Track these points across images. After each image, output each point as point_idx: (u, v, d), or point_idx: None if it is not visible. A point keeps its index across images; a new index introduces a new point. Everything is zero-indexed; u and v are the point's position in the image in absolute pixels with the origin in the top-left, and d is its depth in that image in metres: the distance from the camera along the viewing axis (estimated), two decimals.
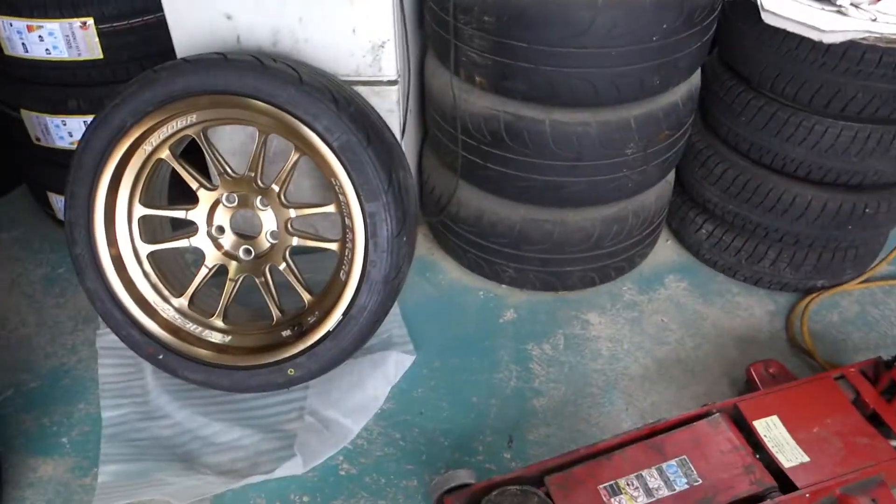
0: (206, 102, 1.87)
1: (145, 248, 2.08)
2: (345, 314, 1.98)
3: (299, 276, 2.09)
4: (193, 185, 2.04)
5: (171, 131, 1.95)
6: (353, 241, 1.95)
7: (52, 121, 2.46)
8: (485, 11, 2.02)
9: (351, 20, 2.11)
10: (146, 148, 1.97)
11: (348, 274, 1.98)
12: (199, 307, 2.13)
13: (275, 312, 2.10)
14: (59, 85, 2.41)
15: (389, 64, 2.20)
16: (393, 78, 2.23)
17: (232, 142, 2.33)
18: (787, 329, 2.51)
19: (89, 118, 2.44)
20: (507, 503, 1.85)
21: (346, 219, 1.99)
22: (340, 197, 1.96)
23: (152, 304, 2.07)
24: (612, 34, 1.96)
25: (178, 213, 2.07)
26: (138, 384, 2.28)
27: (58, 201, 2.72)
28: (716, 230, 2.61)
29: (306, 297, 2.08)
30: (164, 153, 2.00)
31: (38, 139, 2.54)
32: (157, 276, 2.09)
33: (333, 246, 2.05)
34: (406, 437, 2.17)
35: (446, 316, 2.54)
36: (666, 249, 2.82)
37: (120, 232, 2.03)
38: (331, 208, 2.02)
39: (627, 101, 2.15)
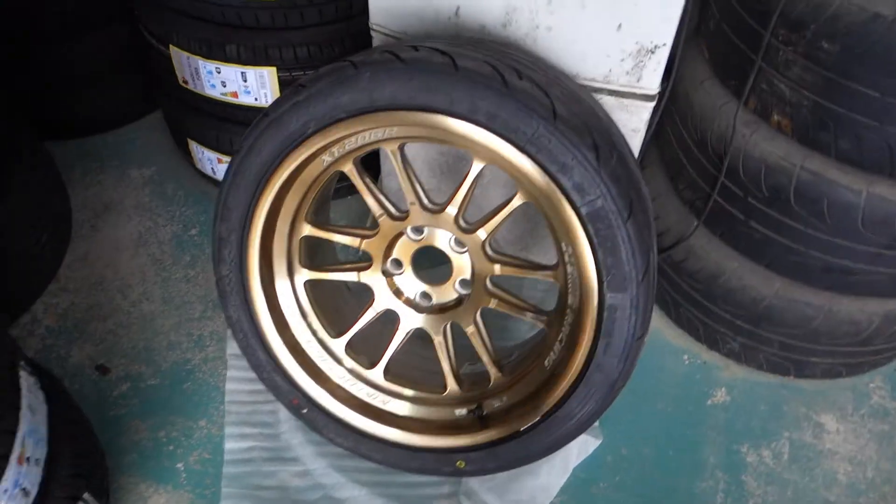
0: (417, 119, 1.35)
1: (304, 275, 1.64)
2: (545, 416, 1.51)
3: (489, 346, 1.61)
4: (376, 210, 1.55)
5: (361, 143, 1.45)
6: (576, 330, 1.44)
7: (205, 65, 2.00)
8: (827, 35, 1.38)
9: (621, 12, 1.50)
10: (325, 158, 1.49)
11: (561, 368, 1.49)
12: (359, 353, 1.70)
13: (450, 382, 1.65)
14: (220, 25, 1.93)
15: (653, 75, 1.60)
16: (653, 93, 1.63)
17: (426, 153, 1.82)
18: None
19: (248, 69, 1.98)
20: None
21: (569, 296, 1.48)
22: (569, 268, 1.44)
23: (303, 344, 1.66)
24: None
25: (352, 241, 1.61)
26: (268, 409, 1.91)
27: (198, 151, 2.31)
28: None
29: (494, 373, 1.61)
30: (347, 166, 1.51)
31: (185, 82, 2.10)
32: (312, 308, 1.67)
33: (543, 322, 1.55)
34: None
35: (640, 382, 2.03)
36: None
37: (277, 254, 1.59)
38: (549, 277, 1.51)
39: None
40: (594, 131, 1.33)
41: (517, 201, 1.45)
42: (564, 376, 1.47)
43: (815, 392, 2.04)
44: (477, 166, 1.44)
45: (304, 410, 1.66)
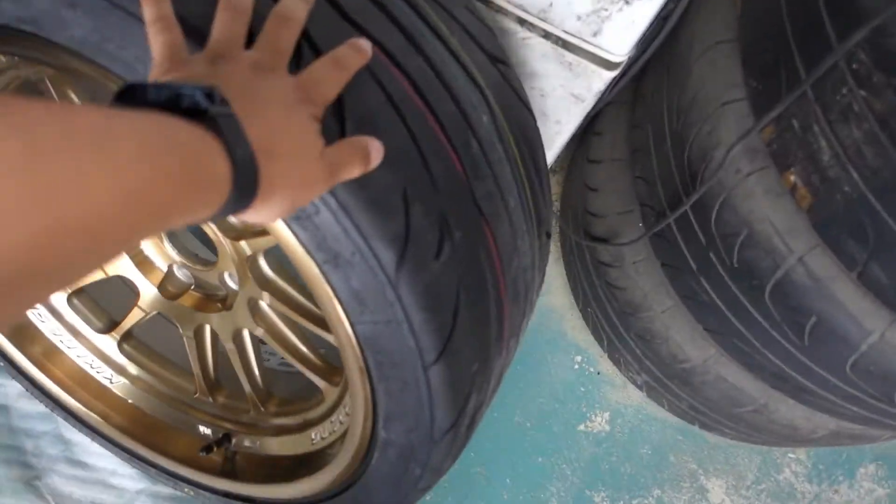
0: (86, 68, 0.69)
1: None
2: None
3: (255, 368, 1.10)
4: None
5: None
6: (346, 436, 0.93)
7: None
8: None
9: None
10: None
11: (326, 459, 1.00)
12: (95, 307, 1.18)
13: (199, 383, 1.16)
14: None
15: (621, 35, 0.88)
16: (615, 60, 0.93)
17: None
18: None
19: None
20: None
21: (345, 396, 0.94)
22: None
23: None
24: None
25: None
26: None
27: None
28: None
29: (253, 398, 1.12)
30: (42, 75, 0.86)
31: None
32: None
33: (322, 383, 1.02)
34: None
35: (510, 375, 1.56)
36: None
37: None
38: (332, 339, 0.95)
39: None
40: (417, 204, 0.68)
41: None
42: (324, 470, 0.99)
43: (714, 448, 1.60)
44: None
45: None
